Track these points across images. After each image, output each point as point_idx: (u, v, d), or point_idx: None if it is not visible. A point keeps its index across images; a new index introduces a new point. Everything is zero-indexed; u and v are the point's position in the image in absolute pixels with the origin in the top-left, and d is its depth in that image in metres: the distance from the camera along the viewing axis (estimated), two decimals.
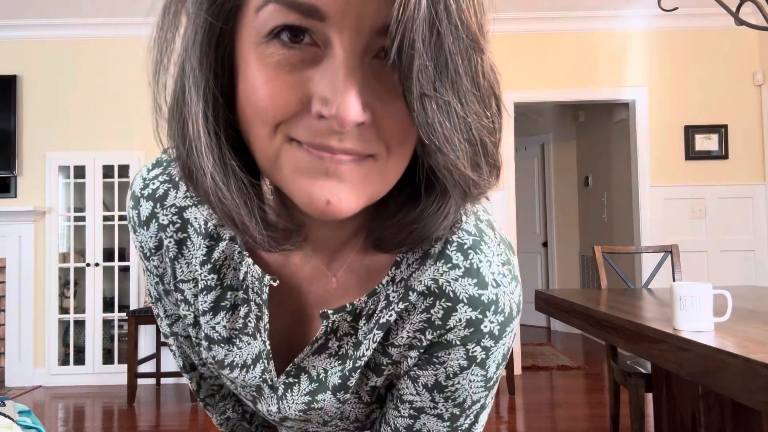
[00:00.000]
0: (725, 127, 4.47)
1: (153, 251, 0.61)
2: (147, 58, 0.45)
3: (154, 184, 0.59)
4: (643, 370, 2.39)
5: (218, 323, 0.60)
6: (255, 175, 0.46)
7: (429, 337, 0.55)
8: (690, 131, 4.47)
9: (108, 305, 4.45)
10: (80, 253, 4.49)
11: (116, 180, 4.43)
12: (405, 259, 0.55)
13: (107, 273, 4.45)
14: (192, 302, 0.61)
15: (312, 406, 0.59)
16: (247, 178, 0.45)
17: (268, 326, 0.57)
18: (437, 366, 0.55)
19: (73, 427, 3.37)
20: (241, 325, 0.59)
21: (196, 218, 0.58)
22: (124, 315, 4.34)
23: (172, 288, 0.62)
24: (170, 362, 4.37)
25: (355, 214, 0.49)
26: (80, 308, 4.46)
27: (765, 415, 1.64)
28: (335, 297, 0.57)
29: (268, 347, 0.58)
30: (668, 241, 4.45)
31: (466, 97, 0.40)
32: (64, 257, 4.47)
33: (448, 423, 0.58)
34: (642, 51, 4.53)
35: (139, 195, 0.59)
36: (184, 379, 4.12)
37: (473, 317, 0.53)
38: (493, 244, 0.55)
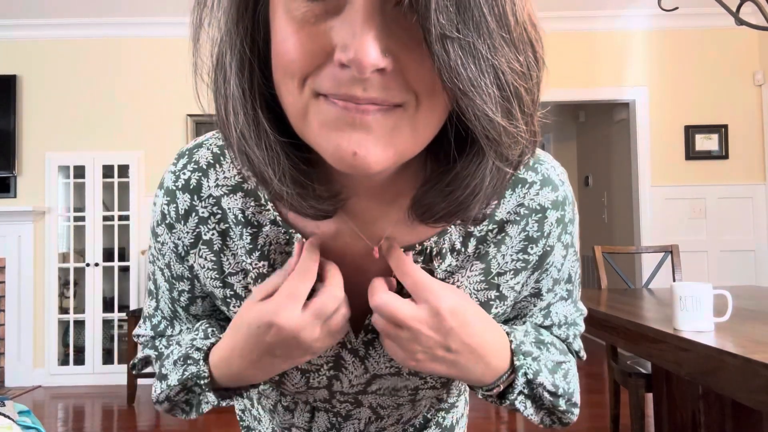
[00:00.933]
0: (725, 127, 4.47)
1: (188, 249, 0.59)
2: (189, 17, 0.48)
3: (184, 174, 0.58)
4: (643, 370, 2.39)
5: None
6: (300, 148, 0.48)
7: (533, 251, 0.60)
8: (690, 131, 4.47)
9: (108, 305, 4.45)
10: (80, 253, 4.49)
11: (116, 180, 4.43)
12: None
13: (107, 273, 4.45)
14: (243, 296, 0.60)
15: None
16: (275, 135, 0.46)
17: None
18: (550, 269, 0.62)
19: (73, 427, 3.37)
20: None
21: (230, 208, 0.57)
22: (123, 315, 4.34)
23: (219, 285, 0.60)
24: None
25: (393, 184, 0.53)
26: (80, 308, 4.46)
27: (765, 415, 1.64)
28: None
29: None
30: (668, 241, 4.45)
31: (493, 39, 0.39)
32: (64, 257, 4.47)
33: (568, 300, 0.66)
34: (642, 51, 4.53)
35: (174, 188, 0.58)
36: None
37: (559, 216, 0.59)
38: (541, 152, 0.60)
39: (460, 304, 0.53)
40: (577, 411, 0.64)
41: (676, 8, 2.54)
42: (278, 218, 0.57)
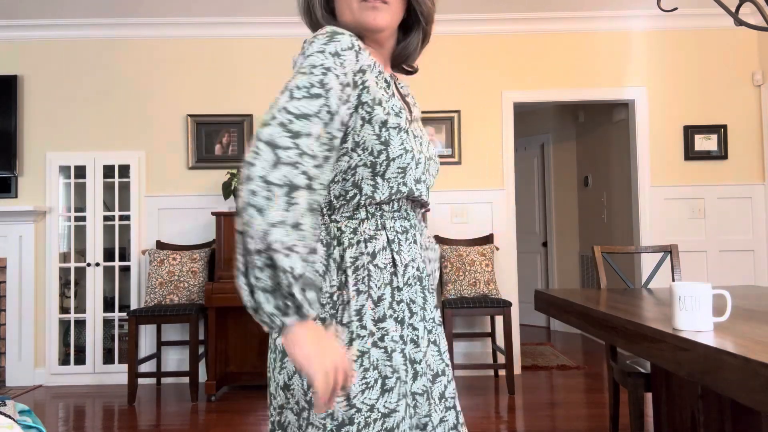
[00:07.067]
0: (724, 127, 4.48)
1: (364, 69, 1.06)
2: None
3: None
4: (642, 370, 2.40)
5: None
6: None
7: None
8: (689, 131, 4.48)
9: (108, 305, 4.46)
10: (81, 253, 4.49)
11: (116, 180, 4.43)
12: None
13: (108, 273, 4.46)
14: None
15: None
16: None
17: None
18: None
19: (74, 426, 3.38)
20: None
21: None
22: (124, 315, 4.34)
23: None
24: (170, 362, 4.38)
25: (386, 56, 1.13)
26: (81, 308, 4.47)
27: (765, 415, 1.65)
28: None
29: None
30: (668, 241, 4.46)
31: None
32: (65, 257, 4.48)
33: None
34: (642, 51, 4.54)
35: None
36: (184, 379, 4.09)
37: None
38: None
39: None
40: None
41: (675, 9, 2.55)
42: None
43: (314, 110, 0.87)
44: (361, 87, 0.97)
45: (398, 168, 1.00)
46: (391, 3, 1.04)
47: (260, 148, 0.82)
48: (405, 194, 1.02)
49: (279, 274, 0.79)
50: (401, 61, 1.16)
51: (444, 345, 1.09)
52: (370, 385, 0.95)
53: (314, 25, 1.12)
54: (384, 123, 0.98)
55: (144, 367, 4.38)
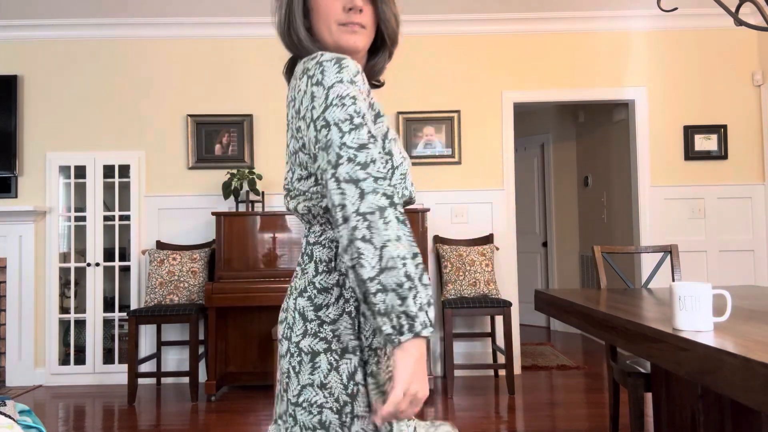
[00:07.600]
0: (724, 127, 4.48)
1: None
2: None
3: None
4: (642, 370, 2.40)
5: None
6: None
7: None
8: (689, 131, 4.48)
9: (108, 305, 4.46)
10: (81, 253, 4.50)
11: (116, 180, 4.43)
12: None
13: (108, 273, 4.46)
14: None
15: None
16: (310, 42, 1.13)
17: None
18: None
19: (74, 426, 3.38)
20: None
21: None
22: (124, 315, 4.34)
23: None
24: (170, 362, 4.38)
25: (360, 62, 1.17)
26: (81, 308, 4.46)
27: (764, 415, 1.65)
28: None
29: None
30: (668, 241, 4.46)
31: (389, 4, 1.14)
32: (65, 257, 4.48)
33: None
34: (642, 51, 4.54)
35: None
36: (184, 379, 4.09)
37: None
38: None
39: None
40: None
41: (676, 9, 2.55)
42: None
43: (366, 138, 0.95)
44: (372, 105, 1.07)
45: (401, 174, 1.10)
46: (367, 27, 1.12)
47: (344, 188, 0.91)
48: (406, 198, 1.12)
49: (391, 296, 0.88)
50: (370, 78, 1.24)
51: None
52: None
53: (293, 46, 1.14)
54: (386, 135, 1.09)
55: (144, 367, 4.38)
